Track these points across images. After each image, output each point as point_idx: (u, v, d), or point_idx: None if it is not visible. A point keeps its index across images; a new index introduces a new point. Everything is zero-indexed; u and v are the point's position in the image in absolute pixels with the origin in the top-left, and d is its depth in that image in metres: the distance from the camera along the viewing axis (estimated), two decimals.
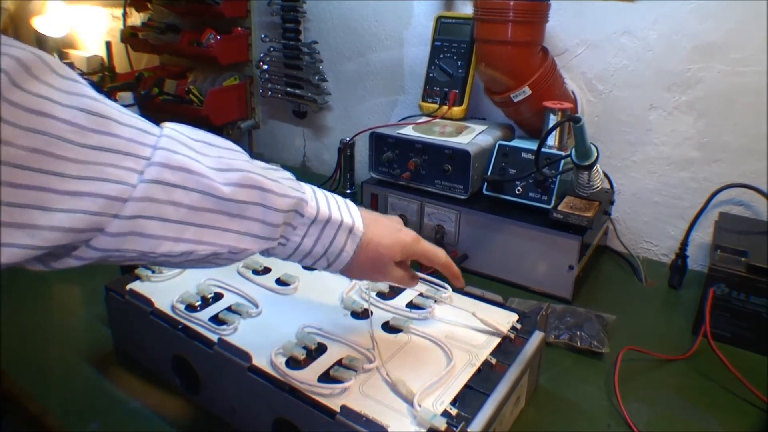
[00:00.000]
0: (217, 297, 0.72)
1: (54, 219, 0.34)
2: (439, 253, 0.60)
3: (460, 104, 1.09)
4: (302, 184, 0.50)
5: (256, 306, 0.70)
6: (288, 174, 0.49)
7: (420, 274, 0.77)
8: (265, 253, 0.49)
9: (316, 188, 0.51)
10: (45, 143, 0.33)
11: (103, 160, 0.36)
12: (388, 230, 0.55)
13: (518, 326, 0.67)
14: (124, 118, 0.38)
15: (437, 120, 1.09)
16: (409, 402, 0.54)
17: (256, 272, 0.78)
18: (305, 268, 0.78)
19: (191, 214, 0.41)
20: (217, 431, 0.64)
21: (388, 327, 0.67)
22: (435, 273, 0.91)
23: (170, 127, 0.42)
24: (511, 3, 0.92)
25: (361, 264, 0.53)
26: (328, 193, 0.52)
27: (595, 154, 0.80)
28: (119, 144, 0.37)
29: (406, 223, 1.04)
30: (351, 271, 0.54)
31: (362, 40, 1.36)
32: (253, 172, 0.44)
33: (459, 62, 1.09)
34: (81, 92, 0.36)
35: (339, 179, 1.29)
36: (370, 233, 0.53)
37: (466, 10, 1.15)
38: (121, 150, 0.37)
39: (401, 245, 0.56)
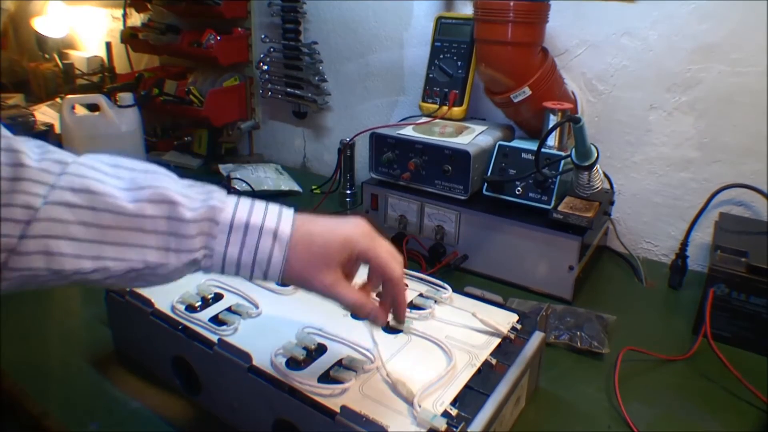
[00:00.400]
0: (217, 297, 0.72)
1: None
2: (395, 265, 0.52)
3: (460, 105, 1.09)
4: (226, 195, 0.49)
5: (256, 306, 0.70)
6: (213, 188, 0.49)
7: (420, 274, 0.77)
8: (199, 267, 0.48)
9: (245, 198, 0.49)
10: None
11: (16, 188, 0.41)
12: (327, 227, 0.50)
13: (518, 327, 0.67)
14: (35, 152, 0.43)
15: (437, 120, 1.09)
16: (410, 402, 0.54)
17: None
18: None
19: (99, 232, 0.43)
20: (217, 431, 0.64)
21: (388, 327, 0.67)
22: (435, 273, 0.91)
23: (86, 156, 0.46)
24: (511, 3, 0.92)
25: (298, 271, 0.49)
26: (258, 202, 0.49)
27: (595, 155, 0.80)
28: (31, 173, 0.42)
29: (406, 225, 1.05)
30: (292, 279, 0.50)
31: (362, 41, 1.36)
32: (164, 187, 0.46)
33: (459, 63, 1.09)
34: None
35: (339, 180, 1.29)
36: (300, 233, 0.49)
37: (466, 10, 1.15)
38: (33, 179, 0.42)
39: (341, 239, 0.50)
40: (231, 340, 0.62)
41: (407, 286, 0.59)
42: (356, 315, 0.57)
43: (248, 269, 0.48)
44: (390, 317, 0.56)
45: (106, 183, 0.44)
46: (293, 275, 0.49)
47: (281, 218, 0.49)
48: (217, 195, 0.48)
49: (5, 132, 0.43)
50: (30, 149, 0.43)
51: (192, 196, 0.47)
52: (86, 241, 0.43)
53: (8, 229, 0.41)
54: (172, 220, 0.45)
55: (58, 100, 1.85)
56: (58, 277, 0.43)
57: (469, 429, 0.52)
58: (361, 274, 0.56)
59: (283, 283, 0.52)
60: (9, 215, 0.41)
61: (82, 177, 0.43)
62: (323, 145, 1.54)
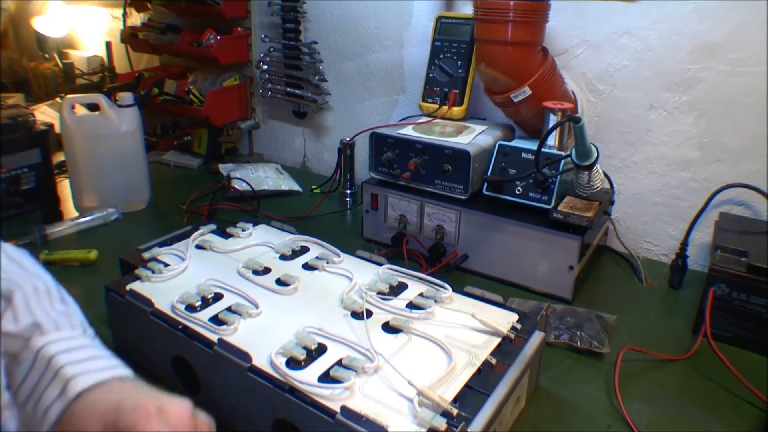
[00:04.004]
0: (217, 297, 0.72)
1: None
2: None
3: (460, 104, 1.09)
4: (63, 316, 0.47)
5: (256, 306, 0.70)
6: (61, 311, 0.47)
7: (420, 274, 0.77)
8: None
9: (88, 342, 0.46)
10: None
11: None
12: (109, 403, 0.42)
13: (518, 326, 0.67)
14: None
15: (437, 120, 1.09)
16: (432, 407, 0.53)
17: (256, 272, 0.78)
18: None
19: None
20: (217, 431, 0.64)
21: (388, 327, 0.67)
22: (435, 273, 0.91)
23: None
24: (511, 3, 0.92)
25: None
26: (99, 351, 0.46)
27: (595, 154, 0.80)
28: None
29: (406, 224, 1.05)
30: None
31: (362, 41, 1.36)
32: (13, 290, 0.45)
33: (459, 62, 1.09)
34: None
35: (339, 179, 1.29)
36: (91, 400, 0.42)
37: (466, 10, 1.15)
38: None
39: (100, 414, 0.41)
40: (231, 339, 0.62)
41: None
42: None
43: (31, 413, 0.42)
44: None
45: None
46: None
47: (87, 369, 0.44)
48: (59, 318, 0.46)
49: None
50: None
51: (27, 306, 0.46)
52: None
53: None
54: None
55: (58, 99, 1.85)
56: None
57: (469, 429, 0.52)
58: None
59: None
60: None
61: None
62: (323, 145, 1.54)
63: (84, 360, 0.45)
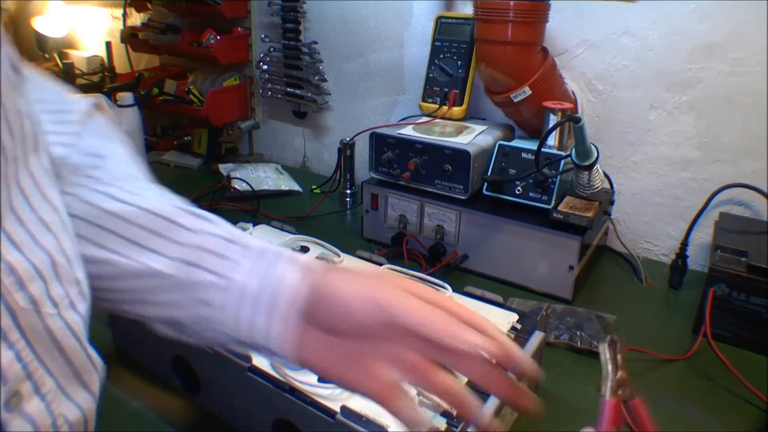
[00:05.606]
0: None
1: None
2: (430, 316, 0.37)
3: (460, 104, 1.09)
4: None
5: None
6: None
7: (420, 274, 0.77)
8: (203, 305, 0.40)
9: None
10: None
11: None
12: (357, 277, 0.39)
13: (518, 326, 0.67)
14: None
15: (437, 120, 1.09)
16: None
17: None
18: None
19: (126, 225, 0.40)
20: (217, 431, 0.64)
21: None
22: (435, 273, 0.91)
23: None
24: (511, 3, 0.92)
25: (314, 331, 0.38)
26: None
27: (595, 154, 0.80)
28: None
29: (406, 224, 1.05)
30: (305, 356, 0.38)
31: (362, 40, 1.36)
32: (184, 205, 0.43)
33: (459, 62, 1.09)
34: None
35: (339, 179, 1.29)
36: (328, 275, 0.39)
37: (466, 10, 1.15)
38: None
39: (374, 299, 0.37)
40: None
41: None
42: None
43: (260, 306, 0.38)
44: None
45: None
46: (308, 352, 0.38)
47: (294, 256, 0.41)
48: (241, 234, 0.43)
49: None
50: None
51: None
52: (103, 228, 0.39)
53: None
54: (198, 233, 0.40)
55: None
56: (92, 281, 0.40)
57: (469, 429, 0.52)
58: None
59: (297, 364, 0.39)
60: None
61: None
62: (323, 145, 1.54)
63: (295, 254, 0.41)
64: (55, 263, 0.35)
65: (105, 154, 0.44)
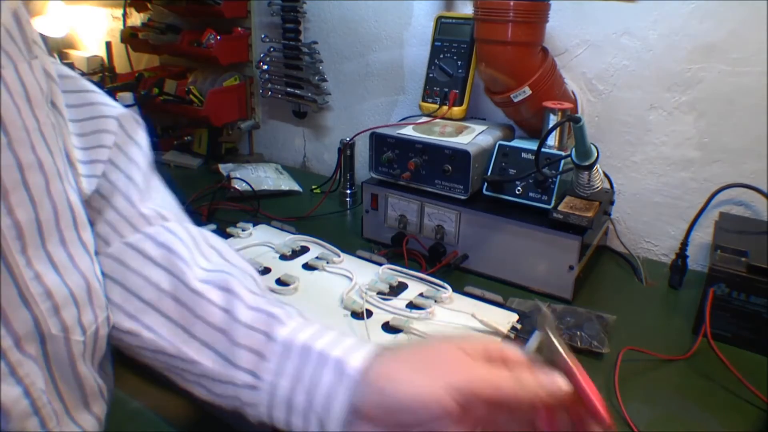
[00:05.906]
0: None
1: None
2: (504, 381, 0.36)
3: (460, 104, 1.09)
4: (288, 306, 0.41)
5: None
6: (282, 302, 0.42)
7: (420, 274, 0.77)
8: (241, 403, 0.39)
9: (304, 315, 0.41)
10: None
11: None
12: (421, 362, 0.36)
13: (518, 326, 0.67)
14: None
15: (437, 120, 1.09)
16: None
17: None
18: None
19: (155, 292, 0.40)
20: (217, 431, 0.64)
21: (388, 327, 0.67)
22: (435, 273, 0.91)
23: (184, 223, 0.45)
24: (511, 3, 0.92)
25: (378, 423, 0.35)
26: (329, 330, 0.40)
27: (595, 154, 0.80)
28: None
29: (406, 224, 1.05)
30: None
31: (362, 41, 1.36)
32: (234, 276, 0.41)
33: (459, 62, 1.09)
34: None
35: (339, 179, 1.29)
36: (380, 370, 0.36)
37: (466, 10, 1.15)
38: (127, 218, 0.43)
39: (446, 385, 0.34)
40: None
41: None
42: None
43: (300, 414, 0.36)
44: None
45: (191, 250, 0.42)
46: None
47: (351, 347, 0.38)
48: (283, 306, 0.41)
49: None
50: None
51: (258, 294, 0.41)
52: (134, 295, 0.40)
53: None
54: (228, 313, 0.39)
55: None
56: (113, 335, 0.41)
57: None
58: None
59: None
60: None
61: (170, 233, 0.43)
62: (323, 145, 1.54)
63: (337, 340, 0.39)
64: (90, 288, 0.35)
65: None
